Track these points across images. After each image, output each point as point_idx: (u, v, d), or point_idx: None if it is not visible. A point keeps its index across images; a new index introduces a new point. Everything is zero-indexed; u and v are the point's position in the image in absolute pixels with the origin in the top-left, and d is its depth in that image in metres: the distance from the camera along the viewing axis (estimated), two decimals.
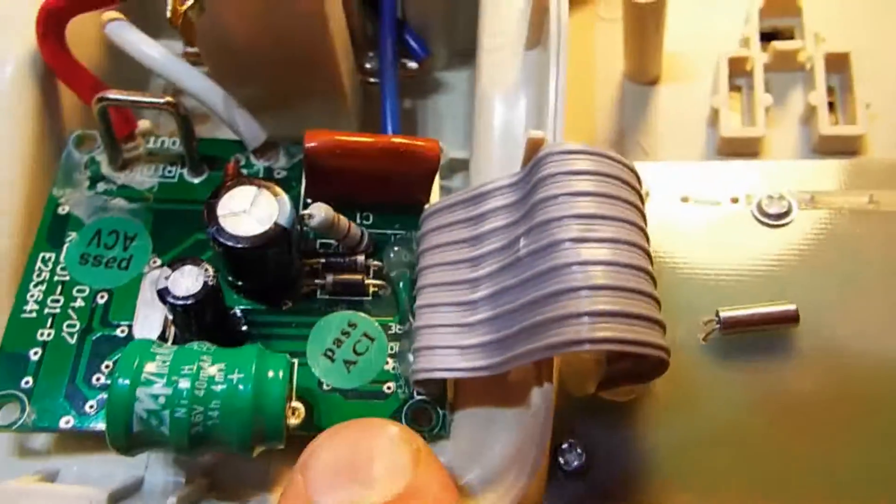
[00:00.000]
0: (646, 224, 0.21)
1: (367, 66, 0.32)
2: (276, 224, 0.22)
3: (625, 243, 0.20)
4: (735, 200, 0.26)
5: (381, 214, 0.27)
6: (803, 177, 0.27)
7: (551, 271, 0.20)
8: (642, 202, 0.22)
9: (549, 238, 0.20)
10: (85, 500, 0.20)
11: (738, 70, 0.31)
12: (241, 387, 0.19)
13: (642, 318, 0.19)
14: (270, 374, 0.20)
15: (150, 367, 0.19)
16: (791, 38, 0.31)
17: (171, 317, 0.23)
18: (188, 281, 0.21)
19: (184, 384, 0.19)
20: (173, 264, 0.22)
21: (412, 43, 0.32)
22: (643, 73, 0.32)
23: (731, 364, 0.23)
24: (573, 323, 0.19)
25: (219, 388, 0.19)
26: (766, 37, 0.32)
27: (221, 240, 0.22)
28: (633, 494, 0.21)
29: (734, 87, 0.31)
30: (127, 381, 0.19)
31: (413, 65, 0.32)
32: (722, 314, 0.23)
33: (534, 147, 0.22)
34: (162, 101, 0.24)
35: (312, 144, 0.24)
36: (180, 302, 0.21)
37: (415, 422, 0.24)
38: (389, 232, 0.27)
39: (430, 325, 0.23)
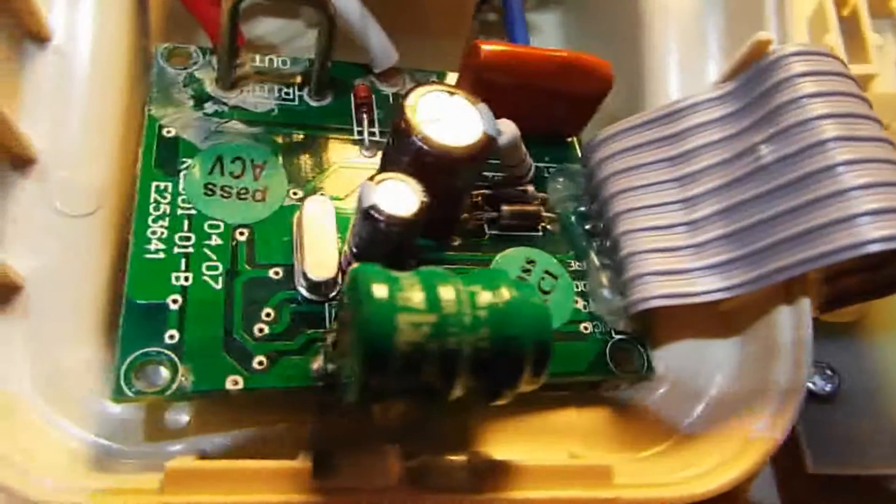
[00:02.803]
0: None
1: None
2: (485, 133, 0.19)
3: (883, 140, 0.19)
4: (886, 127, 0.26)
5: (532, 145, 0.24)
6: None
7: (814, 175, 0.18)
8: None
9: (807, 140, 0.19)
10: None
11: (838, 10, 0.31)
12: (511, 310, 0.16)
13: None
14: (537, 300, 0.16)
15: (404, 290, 0.15)
16: None
17: (357, 245, 0.19)
18: (399, 198, 0.18)
19: (448, 307, 0.15)
20: (374, 178, 0.18)
21: None
22: None
23: None
24: (850, 225, 0.18)
25: (485, 313, 0.16)
26: None
27: (428, 149, 0.18)
28: (884, 415, 0.20)
29: None
30: (385, 305, 0.15)
31: None
32: None
33: (759, 49, 0.20)
34: None
35: (488, 50, 0.21)
36: (397, 222, 0.17)
37: (617, 364, 0.21)
38: (542, 165, 0.24)
39: (639, 252, 0.21)
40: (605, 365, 0.21)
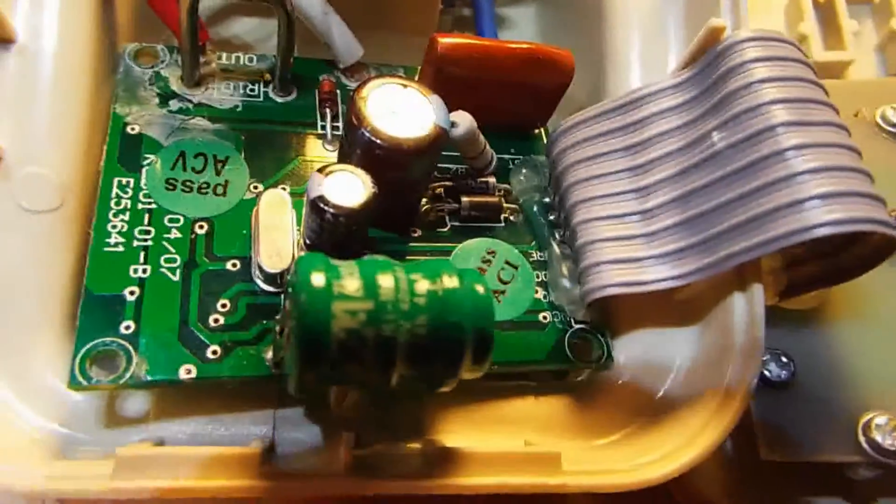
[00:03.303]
0: None
1: None
2: (436, 125, 0.19)
3: (835, 125, 0.19)
4: (856, 114, 0.25)
5: (495, 138, 0.24)
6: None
7: (763, 160, 0.18)
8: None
9: (757, 126, 0.19)
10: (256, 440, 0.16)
11: None
12: (450, 298, 0.16)
13: (868, 196, 0.18)
14: (479, 288, 0.17)
15: (342, 278, 0.15)
16: None
17: (308, 237, 0.19)
18: (346, 189, 0.18)
19: (385, 296, 0.16)
20: (323, 170, 0.18)
21: None
22: None
23: None
24: (799, 209, 0.17)
25: (423, 300, 0.16)
26: None
27: (378, 142, 0.18)
28: (838, 403, 0.20)
29: None
30: (320, 294, 0.15)
31: None
32: None
33: (713, 36, 0.20)
34: None
35: (446, 43, 0.21)
36: (344, 212, 0.18)
37: (576, 353, 0.21)
38: (506, 157, 0.24)
39: (594, 241, 0.21)
40: (563, 354, 0.21)
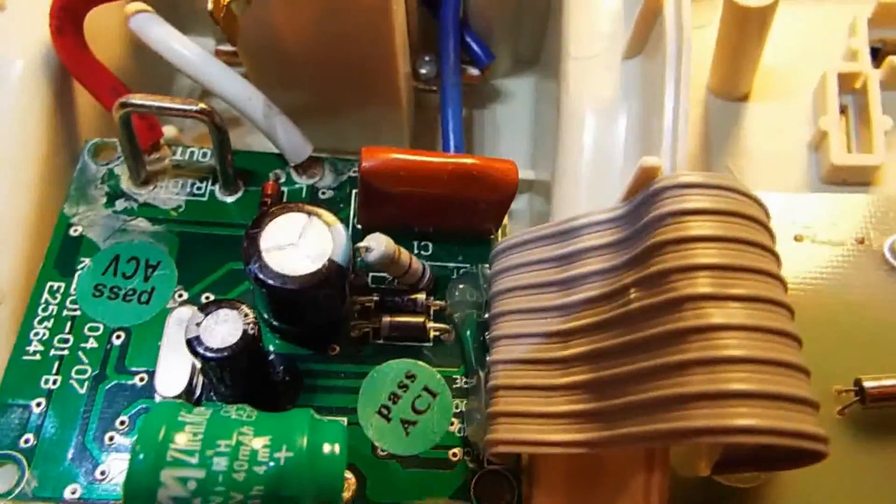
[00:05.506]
0: (781, 271, 0.17)
1: (422, 70, 0.28)
2: (330, 261, 0.18)
3: (765, 301, 0.16)
4: (861, 241, 0.22)
5: (443, 244, 0.23)
6: None
7: (674, 336, 0.16)
8: (775, 244, 0.18)
9: (671, 293, 0.16)
10: None
11: (845, 87, 0.27)
12: (290, 468, 0.16)
13: (794, 400, 0.15)
14: (326, 448, 0.16)
15: (178, 441, 0.15)
16: None
17: (199, 367, 0.19)
18: (224, 328, 0.18)
19: (220, 464, 0.15)
20: (206, 307, 0.18)
21: (474, 46, 0.28)
22: (733, 87, 0.28)
23: (874, 445, 0.19)
24: (712, 405, 0.15)
25: (263, 469, 0.15)
26: (873, 52, 0.28)
27: (265, 279, 0.18)
28: None
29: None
30: (150, 461, 0.15)
31: (474, 71, 0.28)
32: (865, 384, 0.19)
33: (647, 176, 0.18)
34: (195, 107, 0.21)
35: (370, 164, 0.21)
36: (215, 355, 0.17)
37: (486, 498, 0.20)
38: (452, 265, 0.23)
39: (508, 386, 0.19)
40: (468, 497, 0.20)
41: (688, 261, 0.16)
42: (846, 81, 0.27)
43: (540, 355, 0.19)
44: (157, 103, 0.21)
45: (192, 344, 0.17)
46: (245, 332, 0.18)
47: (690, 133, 0.29)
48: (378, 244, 0.20)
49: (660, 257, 0.17)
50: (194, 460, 0.15)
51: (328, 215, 0.19)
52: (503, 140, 0.30)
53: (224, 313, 0.18)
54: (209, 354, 0.17)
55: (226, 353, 0.17)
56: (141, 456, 0.15)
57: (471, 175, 0.21)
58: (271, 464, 0.15)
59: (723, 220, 0.17)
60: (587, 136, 0.21)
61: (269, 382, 0.20)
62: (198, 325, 0.18)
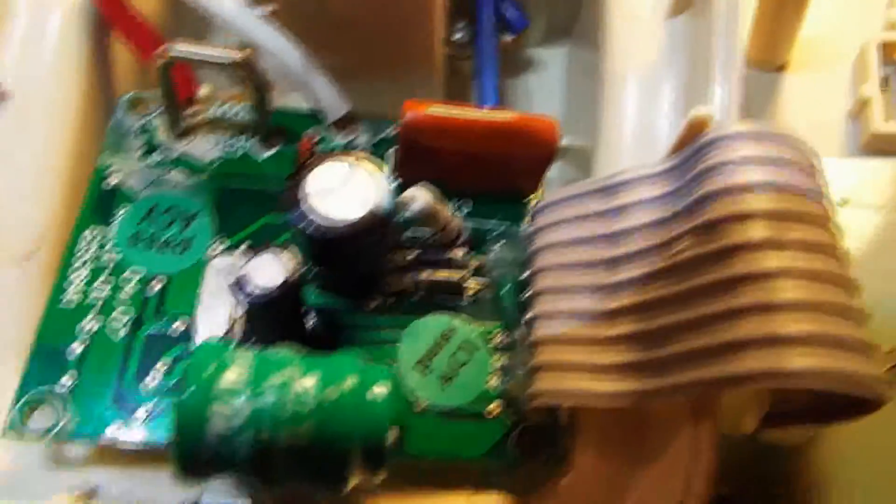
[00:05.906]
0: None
1: (456, 37, 0.28)
2: (375, 208, 0.18)
3: (825, 247, 0.16)
4: None
5: (481, 204, 0.23)
6: None
7: (727, 283, 0.16)
8: (828, 191, 0.18)
9: (723, 241, 0.16)
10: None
11: (887, 58, 0.26)
12: (339, 406, 0.15)
13: (855, 344, 0.15)
14: (375, 390, 0.16)
15: (228, 377, 0.15)
16: None
17: (239, 313, 0.19)
18: (268, 272, 0.18)
19: (269, 398, 0.15)
20: (250, 251, 0.18)
21: (510, 11, 0.28)
22: (772, 58, 0.28)
23: None
24: (766, 349, 0.15)
25: (311, 407, 0.15)
26: None
27: (312, 222, 0.18)
28: None
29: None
30: (199, 395, 0.15)
31: (507, 37, 0.28)
32: None
33: (697, 127, 0.18)
34: (237, 57, 0.21)
35: (412, 117, 0.20)
36: (259, 297, 0.17)
37: (524, 451, 0.20)
38: (490, 224, 0.23)
39: (552, 339, 0.19)
40: (506, 451, 0.20)
41: (740, 207, 0.16)
42: (887, 51, 0.27)
43: (585, 307, 0.19)
44: (200, 51, 0.21)
45: (238, 285, 0.17)
46: (290, 274, 0.17)
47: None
48: (420, 196, 0.20)
49: (711, 206, 0.17)
50: (244, 396, 0.15)
51: (371, 161, 0.19)
52: (535, 108, 0.30)
53: (267, 257, 0.18)
54: (254, 296, 0.17)
55: (271, 296, 0.17)
56: (192, 388, 0.15)
57: (512, 130, 0.21)
58: (321, 401, 0.15)
59: (776, 168, 0.17)
60: (629, 100, 0.21)
61: (308, 334, 0.20)
62: (241, 267, 0.18)
